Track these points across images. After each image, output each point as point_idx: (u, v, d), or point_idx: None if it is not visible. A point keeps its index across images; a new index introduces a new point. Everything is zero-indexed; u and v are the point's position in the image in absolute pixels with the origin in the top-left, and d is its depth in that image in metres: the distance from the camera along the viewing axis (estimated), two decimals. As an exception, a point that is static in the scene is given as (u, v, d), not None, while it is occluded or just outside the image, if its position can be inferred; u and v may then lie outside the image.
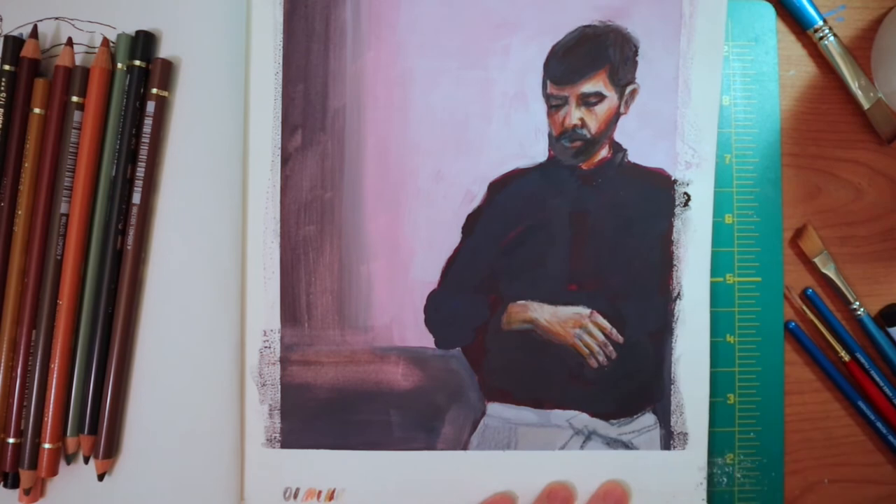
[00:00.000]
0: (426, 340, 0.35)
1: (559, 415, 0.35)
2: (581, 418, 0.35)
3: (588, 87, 0.35)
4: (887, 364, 0.37)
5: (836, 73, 0.37)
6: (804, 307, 0.37)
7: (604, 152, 0.35)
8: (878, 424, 0.37)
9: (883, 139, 0.37)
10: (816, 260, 0.37)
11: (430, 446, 0.35)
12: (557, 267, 0.35)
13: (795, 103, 0.37)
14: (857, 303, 0.37)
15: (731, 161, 0.36)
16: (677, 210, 0.35)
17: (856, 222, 0.37)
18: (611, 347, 0.35)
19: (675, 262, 0.35)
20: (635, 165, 0.35)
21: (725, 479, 0.36)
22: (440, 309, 0.35)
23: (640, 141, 0.35)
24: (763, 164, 0.36)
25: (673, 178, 0.35)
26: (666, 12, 0.35)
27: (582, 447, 0.35)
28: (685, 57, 0.35)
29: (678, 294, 0.35)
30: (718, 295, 0.36)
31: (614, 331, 0.35)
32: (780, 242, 0.37)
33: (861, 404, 0.37)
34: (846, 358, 0.37)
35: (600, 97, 0.35)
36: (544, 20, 0.35)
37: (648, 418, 0.35)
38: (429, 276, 0.35)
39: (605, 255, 0.35)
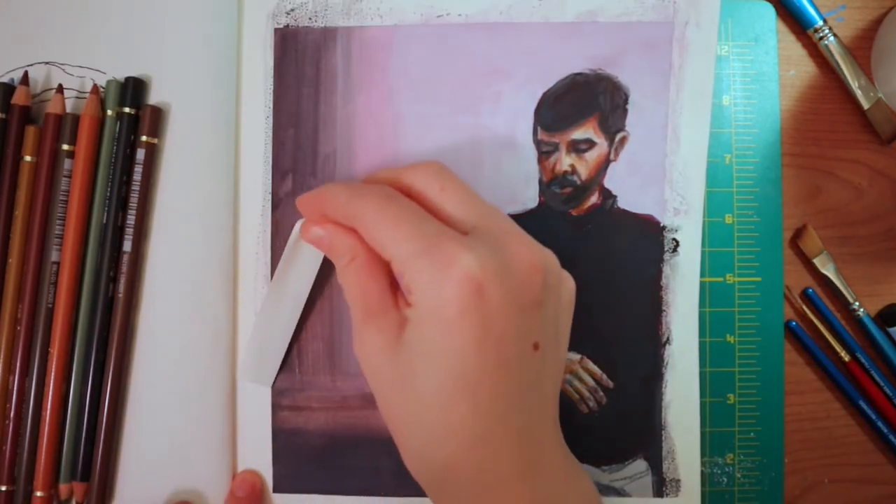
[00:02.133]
0: (417, 386, 0.35)
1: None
2: (571, 465, 0.35)
3: (578, 133, 0.35)
4: (887, 364, 0.37)
5: (836, 73, 0.37)
6: (804, 307, 0.37)
7: (594, 198, 0.35)
8: (879, 424, 0.37)
9: (883, 139, 0.37)
10: (816, 260, 0.37)
11: (421, 493, 0.34)
12: (548, 312, 0.35)
13: (795, 103, 0.37)
14: (857, 303, 0.37)
15: (731, 161, 0.36)
16: (666, 256, 0.35)
17: (856, 222, 0.38)
18: (601, 393, 0.35)
19: (664, 308, 0.35)
20: (625, 212, 0.35)
21: (725, 479, 0.36)
22: (431, 354, 0.35)
23: (629, 187, 0.35)
24: (763, 164, 0.36)
25: (662, 225, 0.35)
26: (656, 63, 0.35)
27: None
28: (674, 106, 0.35)
29: (667, 339, 0.35)
30: (718, 295, 0.36)
31: (604, 376, 0.35)
32: (780, 242, 0.37)
33: (861, 404, 0.37)
34: (846, 358, 0.37)
35: (590, 144, 0.35)
36: (536, 67, 0.35)
37: (640, 464, 0.35)
38: (420, 321, 0.35)
39: (595, 301, 0.35)
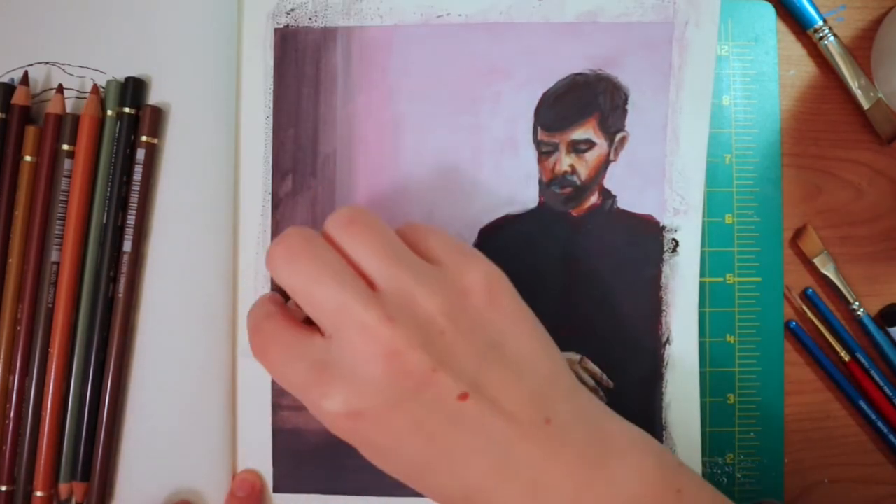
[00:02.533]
0: (417, 386, 0.35)
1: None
2: (571, 465, 0.35)
3: (578, 133, 0.35)
4: (887, 364, 0.37)
5: (836, 73, 0.37)
6: (804, 307, 0.37)
7: (593, 199, 0.35)
8: (879, 424, 0.37)
9: (883, 139, 0.37)
10: (816, 260, 0.37)
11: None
12: (548, 312, 0.35)
13: (795, 103, 0.37)
14: (857, 303, 0.37)
15: (731, 161, 0.36)
16: (666, 256, 0.35)
17: (856, 222, 0.37)
18: (601, 393, 0.35)
19: (664, 308, 0.35)
20: (624, 212, 0.35)
21: (725, 480, 0.36)
22: (431, 354, 0.35)
23: (629, 188, 0.35)
24: (763, 164, 0.37)
25: (662, 225, 0.35)
26: (656, 63, 0.35)
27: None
28: (674, 106, 0.35)
29: (667, 339, 0.35)
30: (718, 295, 0.36)
31: (604, 376, 0.35)
32: (780, 242, 0.37)
33: (861, 404, 0.37)
34: (846, 358, 0.37)
35: (590, 144, 0.35)
36: (536, 67, 0.35)
37: (638, 465, 0.35)
38: (420, 321, 0.35)
39: (595, 301, 0.35)
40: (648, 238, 0.35)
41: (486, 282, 0.27)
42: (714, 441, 0.36)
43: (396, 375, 0.25)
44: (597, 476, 0.26)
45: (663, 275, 0.35)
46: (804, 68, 0.38)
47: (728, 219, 0.36)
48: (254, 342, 0.28)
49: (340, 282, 0.25)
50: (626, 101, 0.35)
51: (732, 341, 0.36)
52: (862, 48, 0.38)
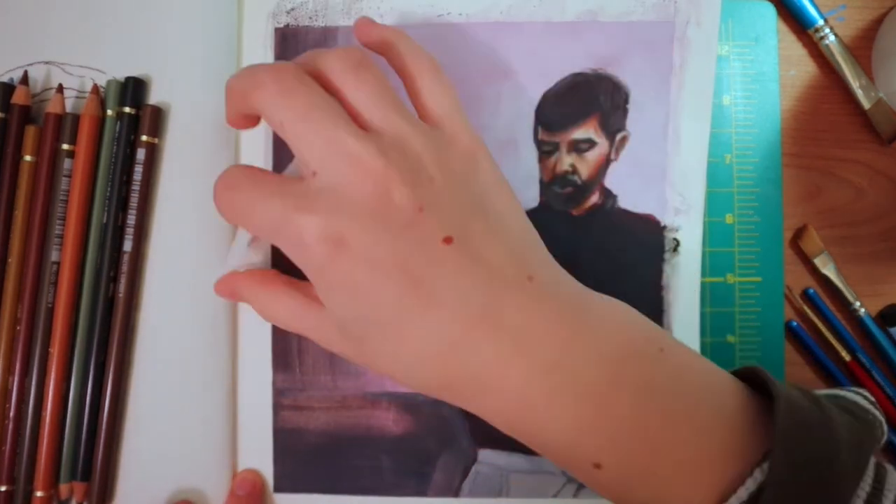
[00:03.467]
0: (418, 386, 0.35)
1: (551, 461, 0.35)
2: (572, 465, 0.35)
3: (579, 133, 0.35)
4: (888, 364, 0.37)
5: (836, 73, 0.37)
6: (805, 307, 0.37)
7: (594, 198, 0.35)
8: None
9: (883, 139, 0.37)
10: (817, 260, 0.37)
11: (422, 493, 0.35)
12: (548, 312, 0.35)
13: (795, 103, 0.37)
14: (858, 303, 0.37)
15: (731, 161, 0.36)
16: (667, 255, 0.35)
17: (856, 222, 0.37)
18: (601, 393, 0.35)
19: (664, 308, 0.35)
20: (625, 211, 0.35)
21: None
22: (431, 354, 0.35)
23: (629, 187, 0.35)
24: (763, 164, 0.36)
25: (662, 225, 0.35)
26: (656, 62, 0.35)
27: (576, 495, 0.35)
28: (675, 106, 0.35)
29: None
30: (719, 295, 0.36)
31: (605, 376, 0.35)
32: (781, 242, 0.37)
33: None
34: (847, 358, 0.37)
35: (591, 143, 0.35)
36: (536, 67, 0.35)
37: (639, 464, 0.35)
38: (420, 321, 0.35)
39: (595, 301, 0.35)
40: (649, 238, 0.35)
41: (475, 146, 0.27)
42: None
43: (384, 205, 0.24)
44: (581, 329, 0.25)
45: (664, 274, 0.35)
46: (805, 68, 0.38)
47: (728, 219, 0.36)
48: (219, 186, 0.26)
49: (334, 116, 0.25)
50: (626, 101, 0.35)
51: (733, 341, 0.36)
52: (862, 48, 0.37)
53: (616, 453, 0.25)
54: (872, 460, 0.25)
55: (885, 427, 0.27)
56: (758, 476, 0.23)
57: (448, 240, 0.25)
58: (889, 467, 0.25)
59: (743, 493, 0.23)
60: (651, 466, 0.25)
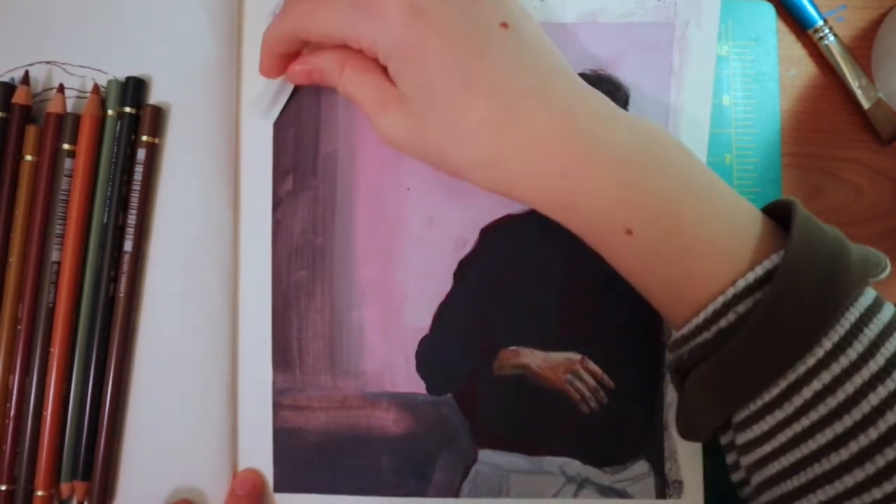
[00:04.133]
0: (417, 386, 0.35)
1: (551, 461, 0.35)
2: (573, 465, 0.35)
3: (579, 133, 0.35)
4: None
5: (836, 73, 0.37)
6: None
7: (594, 198, 0.35)
8: None
9: (883, 139, 0.37)
10: None
11: (422, 493, 0.35)
12: (549, 312, 0.35)
13: (795, 103, 0.37)
14: None
15: (731, 161, 0.36)
16: (667, 256, 0.35)
17: (856, 222, 0.37)
18: (602, 393, 0.35)
19: (665, 308, 0.35)
20: (626, 212, 0.35)
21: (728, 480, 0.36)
22: (432, 354, 0.35)
23: (630, 188, 0.35)
24: (763, 164, 0.36)
25: (663, 225, 0.35)
26: (656, 63, 0.35)
27: (576, 495, 0.35)
28: (674, 107, 0.35)
29: (669, 339, 0.35)
30: None
31: (605, 376, 0.35)
32: None
33: None
34: None
35: (591, 144, 0.35)
36: (535, 67, 0.35)
37: (642, 466, 0.35)
38: (420, 321, 0.35)
39: (596, 301, 0.35)
40: (649, 238, 0.35)
41: None
42: (716, 441, 0.36)
43: None
44: (617, 112, 0.29)
45: (664, 275, 0.35)
46: (804, 68, 0.38)
47: (729, 218, 0.36)
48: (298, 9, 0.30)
49: None
50: (626, 102, 0.35)
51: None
52: (862, 48, 0.37)
53: (647, 221, 0.28)
54: (875, 293, 0.27)
55: (889, 269, 0.28)
56: (775, 259, 0.26)
57: (504, 25, 0.28)
58: (889, 304, 0.27)
59: (760, 270, 0.26)
60: (678, 236, 0.28)
